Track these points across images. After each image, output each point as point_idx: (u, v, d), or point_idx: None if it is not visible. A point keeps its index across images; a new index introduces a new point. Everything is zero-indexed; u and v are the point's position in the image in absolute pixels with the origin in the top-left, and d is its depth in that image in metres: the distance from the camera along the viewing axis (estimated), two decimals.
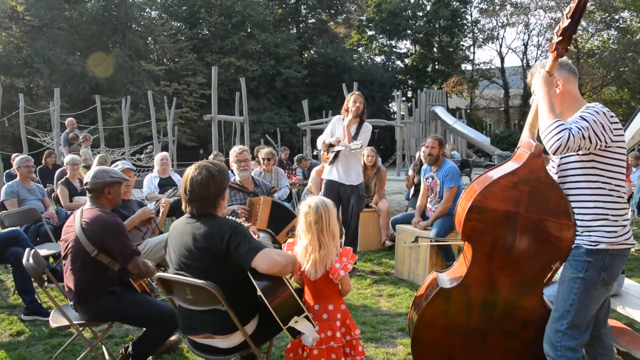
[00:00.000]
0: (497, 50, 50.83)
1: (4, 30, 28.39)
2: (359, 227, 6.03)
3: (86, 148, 11.40)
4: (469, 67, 44.06)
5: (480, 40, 43.14)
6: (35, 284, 4.34)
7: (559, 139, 2.22)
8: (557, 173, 2.55)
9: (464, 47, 43.46)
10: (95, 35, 30.89)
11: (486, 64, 43.93)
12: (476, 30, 43.12)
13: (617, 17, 33.33)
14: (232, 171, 5.24)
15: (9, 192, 6.10)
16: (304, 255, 2.61)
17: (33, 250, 3.27)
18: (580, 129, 2.24)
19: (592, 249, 2.38)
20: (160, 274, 2.69)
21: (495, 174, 2.60)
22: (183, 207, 2.69)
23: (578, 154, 2.39)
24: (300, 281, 2.77)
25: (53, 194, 7.01)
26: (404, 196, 9.76)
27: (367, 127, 5.68)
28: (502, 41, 44.25)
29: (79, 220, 3.15)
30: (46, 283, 4.61)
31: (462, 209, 2.61)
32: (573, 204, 2.44)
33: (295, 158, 11.43)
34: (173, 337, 3.74)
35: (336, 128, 5.71)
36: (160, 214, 4.78)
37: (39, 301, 4.51)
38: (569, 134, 2.22)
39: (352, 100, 5.59)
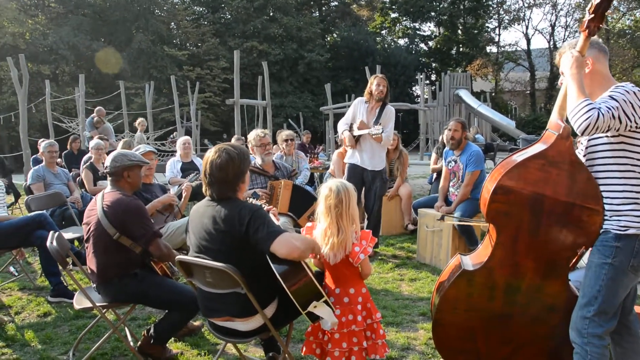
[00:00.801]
0: (523, 32, 49.83)
1: (30, 17, 28.78)
2: (381, 211, 5.98)
3: (141, 132, 11.60)
4: (494, 49, 43.28)
5: (506, 21, 42.32)
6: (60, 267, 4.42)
7: (587, 119, 2.14)
8: (585, 156, 2.46)
9: (489, 29, 42.67)
10: (119, 21, 31.15)
11: (512, 46, 43.19)
12: (502, 12, 42.26)
13: None
14: (252, 155, 5.24)
15: (36, 176, 6.21)
16: (323, 239, 2.59)
17: (57, 233, 3.31)
18: (610, 109, 2.16)
19: (621, 234, 2.30)
20: (180, 256, 2.69)
21: (522, 155, 2.53)
22: (204, 190, 2.68)
23: (607, 136, 2.31)
24: (321, 265, 2.75)
25: (78, 179, 7.10)
26: (427, 180, 9.67)
27: (390, 110, 5.60)
28: (528, 22, 43.52)
29: (100, 204, 3.17)
30: (70, 266, 4.75)
31: (487, 191, 2.55)
32: (601, 188, 2.36)
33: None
34: (196, 323, 3.78)
35: (358, 111, 5.64)
36: (182, 198, 4.80)
37: (65, 283, 4.60)
38: (598, 114, 2.13)
39: (375, 84, 5.51)
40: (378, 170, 5.65)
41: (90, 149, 7.11)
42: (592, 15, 2.24)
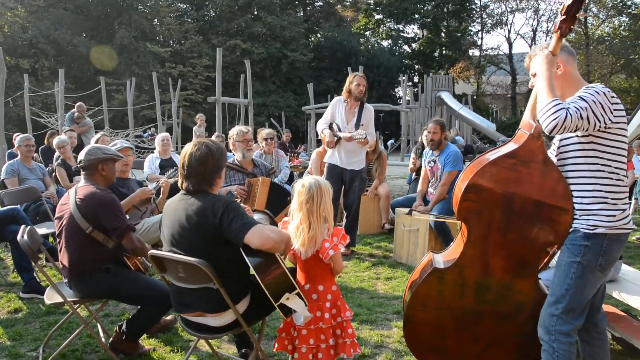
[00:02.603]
0: (505, 36, 50.19)
1: (9, 10, 28.30)
2: (359, 210, 6.00)
3: (201, 127, 11.48)
4: (476, 52, 43.68)
5: (489, 25, 42.70)
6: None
7: (555, 119, 2.17)
8: (556, 155, 2.50)
9: (472, 32, 43.05)
10: (101, 16, 30.79)
11: (494, 50, 43.51)
12: (485, 15, 42.67)
13: (629, 2, 32.79)
14: (231, 152, 5.22)
15: (10, 170, 6.11)
16: (295, 234, 2.59)
17: (29, 227, 3.25)
18: (578, 109, 2.19)
19: (590, 233, 2.33)
20: (153, 251, 2.67)
21: (494, 154, 2.56)
22: (179, 183, 2.67)
23: (577, 136, 2.34)
24: (293, 260, 2.76)
25: (54, 174, 7.01)
26: (406, 180, 9.72)
27: (369, 110, 5.61)
28: (510, 27, 43.82)
29: (73, 198, 3.14)
30: (43, 261, 4.68)
31: (459, 189, 2.58)
32: (572, 187, 2.40)
33: None
34: (169, 317, 3.76)
35: (337, 110, 5.64)
36: (160, 194, 4.77)
37: (37, 279, 4.52)
38: (567, 114, 2.17)
39: (355, 83, 5.50)
40: (357, 170, 5.67)
41: (55, 147, 7.01)
42: (564, 17, 2.27)
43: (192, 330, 2.68)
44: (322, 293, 2.65)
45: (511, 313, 2.64)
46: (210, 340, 3.04)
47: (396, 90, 40.85)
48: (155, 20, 34.41)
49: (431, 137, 5.46)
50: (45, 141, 9.57)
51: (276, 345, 2.76)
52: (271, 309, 2.57)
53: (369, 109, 5.62)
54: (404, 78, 25.01)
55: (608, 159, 2.32)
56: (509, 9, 41.06)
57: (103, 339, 3.32)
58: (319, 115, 21.67)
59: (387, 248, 6.13)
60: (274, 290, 2.40)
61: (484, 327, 2.68)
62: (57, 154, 7.30)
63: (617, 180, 2.34)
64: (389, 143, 25.88)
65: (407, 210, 5.65)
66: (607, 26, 35.67)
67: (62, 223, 3.17)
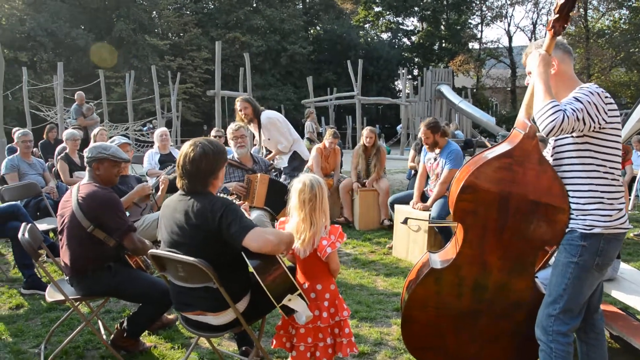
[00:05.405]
0: (505, 29, 50.06)
1: (7, 2, 28.16)
2: (355, 206, 6.05)
3: (311, 121, 11.42)
4: (476, 45, 43.48)
5: (489, 18, 42.47)
6: None
7: (552, 120, 2.19)
8: (552, 155, 2.51)
9: (471, 25, 42.85)
10: (99, 8, 30.67)
11: (494, 43, 43.33)
12: (484, 8, 42.42)
13: None
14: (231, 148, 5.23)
15: (10, 166, 6.12)
16: (296, 233, 2.61)
17: (30, 225, 3.28)
18: (574, 111, 2.20)
19: (587, 233, 2.35)
20: (153, 250, 2.69)
21: (489, 154, 2.58)
22: (177, 182, 2.68)
23: (572, 136, 2.35)
24: (293, 259, 2.78)
25: (54, 169, 7.02)
26: (406, 175, 9.74)
27: (267, 122, 6.03)
28: (510, 20, 43.75)
29: (75, 196, 3.15)
30: (44, 257, 4.70)
31: (455, 189, 2.60)
32: (568, 187, 2.41)
33: None
34: (170, 316, 3.78)
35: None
36: (159, 191, 4.78)
37: (38, 275, 4.55)
38: (564, 116, 2.18)
39: (238, 109, 5.92)
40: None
41: (65, 139, 7.01)
42: (557, 15, 2.29)
43: (193, 328, 2.70)
44: (320, 292, 2.66)
45: (509, 312, 2.66)
46: (210, 338, 3.07)
47: (396, 83, 40.77)
48: (154, 12, 34.23)
49: (424, 141, 5.55)
50: (45, 136, 9.57)
51: (274, 342, 2.78)
52: (271, 307, 2.59)
53: (265, 120, 6.02)
54: (403, 71, 24.97)
55: (603, 159, 2.34)
56: (508, 2, 40.85)
57: (104, 336, 3.34)
58: (318, 109, 21.71)
59: (386, 244, 6.15)
60: (274, 291, 2.42)
61: (482, 326, 2.70)
62: (62, 146, 7.30)
63: (613, 180, 2.36)
64: (398, 128, 25.78)
65: (406, 207, 5.68)
66: (608, 19, 35.55)
67: (63, 221, 3.19)
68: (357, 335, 3.48)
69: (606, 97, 2.27)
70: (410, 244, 5.47)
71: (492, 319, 2.68)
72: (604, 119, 2.25)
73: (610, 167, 2.34)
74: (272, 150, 6.24)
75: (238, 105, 5.89)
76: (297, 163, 6.38)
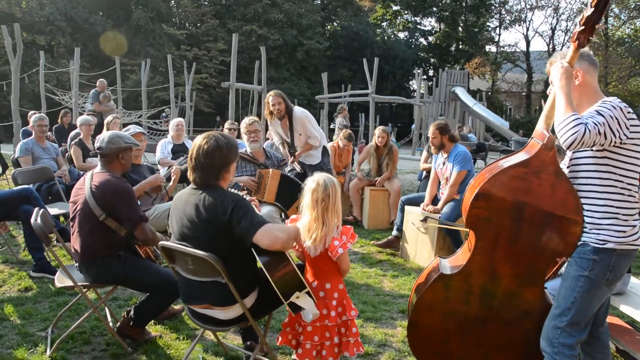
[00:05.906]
0: (523, 33, 49.51)
1: None
2: (366, 205, 6.03)
3: (342, 117, 11.50)
4: (493, 48, 43.11)
5: (507, 21, 42.07)
6: None
7: (574, 134, 2.17)
8: (568, 167, 2.49)
9: (489, 28, 42.49)
10: None
11: (511, 47, 42.88)
12: (503, 12, 42.00)
13: None
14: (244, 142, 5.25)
15: (24, 149, 6.18)
16: (307, 231, 2.61)
17: (42, 210, 3.30)
18: (596, 124, 2.18)
19: (599, 248, 2.33)
20: (163, 242, 2.70)
21: (506, 163, 2.57)
22: (188, 174, 2.69)
23: (592, 150, 2.33)
24: (302, 257, 2.78)
25: (67, 154, 7.07)
26: (417, 176, 9.71)
27: (298, 118, 5.82)
28: (529, 24, 43.39)
29: (88, 184, 3.17)
30: (55, 242, 4.73)
31: (469, 196, 2.59)
32: (583, 200, 2.39)
33: None
34: (177, 307, 3.81)
35: (276, 130, 6.04)
36: (171, 181, 4.81)
37: (48, 259, 4.59)
38: (585, 129, 2.16)
39: (271, 104, 5.72)
40: (314, 165, 5.99)
41: (79, 125, 7.06)
42: (583, 27, 2.26)
43: (199, 321, 2.72)
44: (329, 291, 2.67)
45: (516, 320, 2.65)
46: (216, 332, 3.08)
47: (410, 83, 40.55)
48: (172, 1, 34.31)
49: (431, 141, 5.56)
50: (59, 120, 9.63)
51: (280, 339, 2.79)
52: (278, 303, 2.60)
53: (297, 118, 5.81)
54: (419, 71, 24.84)
55: (621, 175, 2.32)
56: (528, 6, 40.42)
57: (110, 323, 3.37)
58: (332, 105, 21.68)
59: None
60: (283, 288, 2.43)
61: (488, 333, 2.69)
62: (76, 131, 7.35)
63: (629, 195, 2.34)
64: (412, 127, 25.70)
65: (417, 208, 5.66)
66: (629, 27, 35.11)
67: (76, 208, 3.21)
68: (362, 336, 3.48)
69: (629, 112, 2.25)
70: (419, 245, 5.46)
71: (499, 326, 2.67)
72: (625, 134, 2.23)
73: (627, 183, 2.32)
74: (298, 147, 5.94)
75: (270, 100, 5.67)
76: (327, 157, 6.30)
